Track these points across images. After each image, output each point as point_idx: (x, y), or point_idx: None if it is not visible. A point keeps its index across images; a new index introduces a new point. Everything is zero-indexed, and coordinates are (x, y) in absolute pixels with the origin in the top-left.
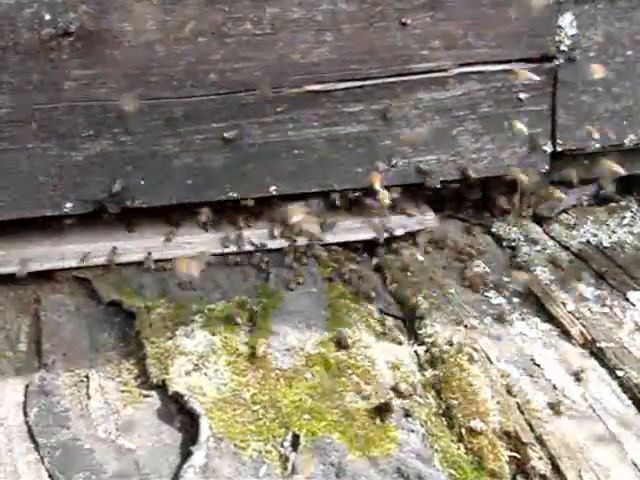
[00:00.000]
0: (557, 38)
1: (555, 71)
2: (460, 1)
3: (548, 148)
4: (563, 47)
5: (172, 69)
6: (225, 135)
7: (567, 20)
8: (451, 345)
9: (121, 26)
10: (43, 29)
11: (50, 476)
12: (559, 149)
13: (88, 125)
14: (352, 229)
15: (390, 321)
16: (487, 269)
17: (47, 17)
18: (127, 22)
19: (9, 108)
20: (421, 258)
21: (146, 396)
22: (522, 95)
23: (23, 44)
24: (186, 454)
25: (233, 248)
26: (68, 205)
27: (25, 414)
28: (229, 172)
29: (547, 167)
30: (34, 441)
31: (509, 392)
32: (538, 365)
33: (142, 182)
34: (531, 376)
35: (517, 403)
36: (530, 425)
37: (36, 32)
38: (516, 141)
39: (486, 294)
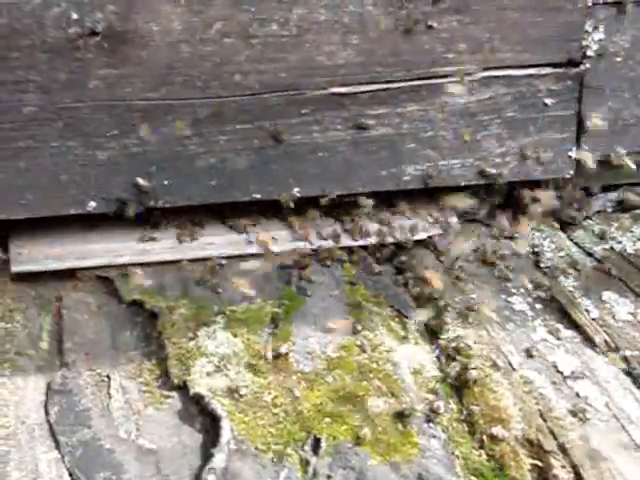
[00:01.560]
0: (584, 43)
1: (581, 76)
2: (486, 5)
3: (573, 154)
4: (590, 52)
5: (197, 70)
6: (250, 136)
7: (594, 25)
8: (473, 350)
9: (148, 26)
10: (70, 28)
11: (71, 475)
12: (585, 154)
13: (113, 124)
14: (374, 232)
15: (412, 325)
16: (510, 274)
17: (74, 16)
18: (154, 22)
19: (35, 106)
20: (444, 262)
21: (167, 397)
22: (548, 100)
23: (50, 43)
24: (207, 456)
25: (255, 250)
26: (91, 204)
27: (46, 412)
28: (253, 173)
29: (572, 172)
30: (55, 440)
31: (531, 399)
32: (561, 372)
33: (166, 182)
34: (554, 383)
35: (539, 410)
36: (553, 433)
37: (63, 31)
38: (541, 146)
39: (509, 299)
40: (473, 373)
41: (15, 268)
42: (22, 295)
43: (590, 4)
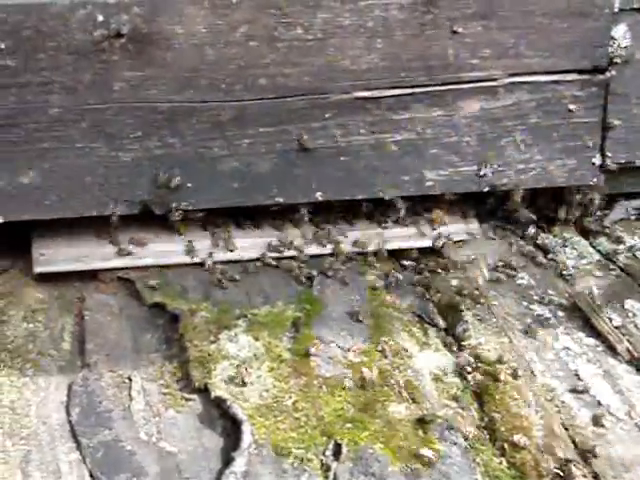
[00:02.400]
0: (610, 49)
1: (607, 83)
2: (512, 10)
3: (597, 161)
4: (616, 58)
5: (222, 72)
6: (273, 140)
7: (621, 31)
8: (494, 357)
9: (172, 28)
10: (96, 30)
11: (92, 476)
12: (608, 162)
13: (137, 126)
14: (396, 237)
15: (433, 331)
16: (532, 281)
17: (100, 18)
18: (178, 25)
19: (60, 108)
20: (465, 268)
21: (188, 400)
22: (572, 106)
23: (76, 45)
24: (227, 460)
25: (276, 253)
26: (114, 206)
27: (68, 413)
28: (276, 177)
29: (596, 180)
30: (76, 440)
31: (553, 407)
32: (583, 380)
33: (188, 185)
34: (575, 391)
35: (561, 418)
36: (574, 441)
37: (89, 33)
38: (565, 153)
39: (531, 307)
40: (494, 380)
41: (38, 269)
42: (44, 296)
43: (617, 10)
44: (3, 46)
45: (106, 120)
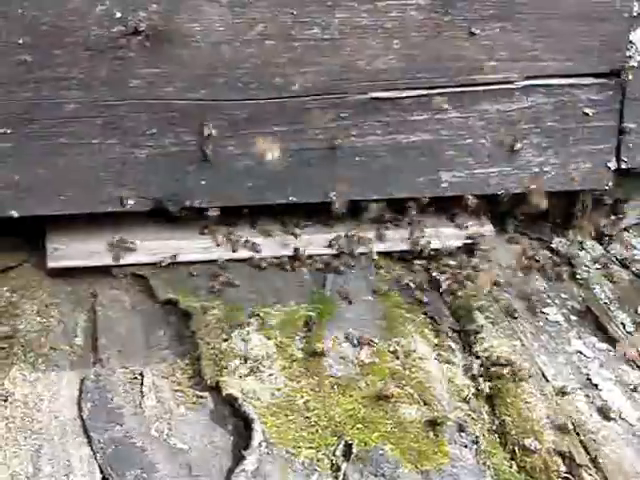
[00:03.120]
0: (627, 53)
1: (623, 87)
2: (530, 13)
3: (612, 165)
4: (633, 62)
5: (238, 71)
6: (287, 139)
7: (639, 35)
8: (506, 361)
9: (190, 26)
10: (113, 27)
11: (102, 471)
12: (624, 166)
13: (152, 123)
14: (407, 239)
15: (445, 333)
16: (545, 285)
17: (118, 15)
18: (196, 22)
19: (76, 104)
20: (478, 271)
21: (199, 397)
22: (588, 110)
23: (93, 41)
24: (238, 458)
25: (290, 252)
26: (129, 202)
27: (79, 408)
28: (290, 176)
29: (611, 184)
30: (87, 436)
31: (564, 411)
32: (595, 385)
33: (203, 182)
34: (587, 396)
35: (572, 423)
36: (585, 447)
37: (106, 29)
38: (580, 157)
39: (544, 310)
40: (506, 383)
41: (51, 264)
42: (57, 291)
43: (635, 14)
44: (21, 41)
45: (122, 117)
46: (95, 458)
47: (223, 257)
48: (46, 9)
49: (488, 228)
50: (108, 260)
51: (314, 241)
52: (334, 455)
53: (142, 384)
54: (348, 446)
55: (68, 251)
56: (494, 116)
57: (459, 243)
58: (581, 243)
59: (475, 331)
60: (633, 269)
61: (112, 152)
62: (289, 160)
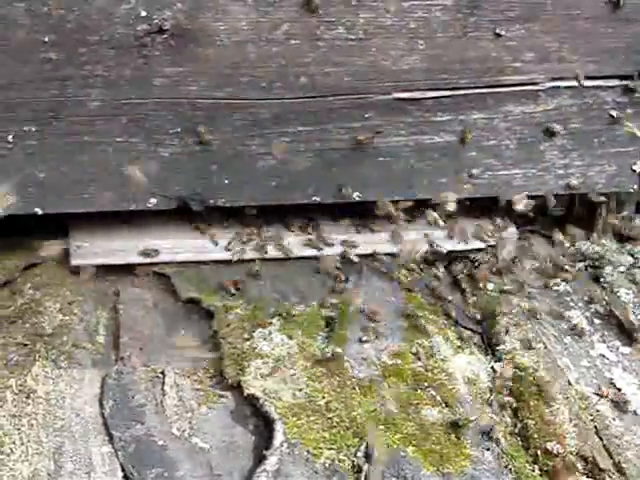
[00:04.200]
0: None
1: None
2: (556, 14)
3: (638, 167)
4: None
5: (262, 70)
6: (311, 139)
7: None
8: (529, 363)
9: (215, 25)
10: (138, 25)
11: (123, 469)
12: None
13: (176, 122)
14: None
15: (468, 335)
16: (569, 288)
17: (143, 13)
18: (221, 21)
19: (100, 102)
20: (501, 273)
21: (221, 396)
22: (614, 112)
23: (117, 39)
24: (259, 458)
25: (314, 252)
26: (152, 200)
27: (101, 406)
28: (313, 176)
29: (636, 187)
30: (109, 434)
31: (587, 415)
32: (619, 389)
33: (226, 181)
34: (611, 400)
35: (595, 427)
36: (608, 451)
37: (131, 28)
38: (605, 159)
39: (567, 313)
40: (529, 386)
41: (74, 261)
42: (80, 289)
43: None
44: (47, 39)
45: (146, 115)
46: (116, 456)
47: (247, 257)
48: (71, 7)
49: (511, 230)
50: (131, 258)
51: (336, 240)
52: (355, 456)
53: (164, 383)
54: (370, 448)
55: (91, 249)
56: (518, 117)
57: (481, 245)
58: (605, 246)
59: (498, 333)
60: None
61: (135, 150)
62: (313, 160)
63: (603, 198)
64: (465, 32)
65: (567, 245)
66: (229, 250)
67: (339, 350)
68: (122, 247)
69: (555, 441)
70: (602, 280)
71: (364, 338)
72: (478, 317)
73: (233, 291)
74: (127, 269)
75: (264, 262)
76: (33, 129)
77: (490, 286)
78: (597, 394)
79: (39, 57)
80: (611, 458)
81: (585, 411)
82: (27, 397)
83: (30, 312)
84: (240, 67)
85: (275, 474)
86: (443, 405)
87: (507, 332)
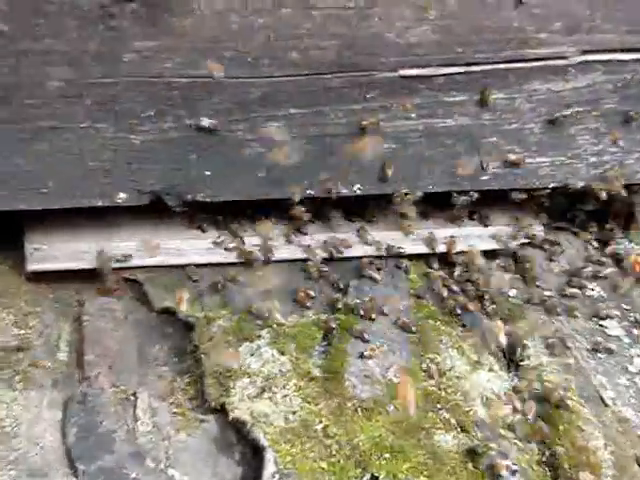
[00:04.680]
0: None
1: None
2: None
3: None
4: None
5: (248, 44)
6: (306, 123)
7: None
8: (558, 381)
9: None
10: None
11: None
12: None
13: (149, 104)
14: (441, 240)
15: (487, 348)
16: (603, 293)
17: None
18: None
19: (61, 81)
20: (525, 277)
21: (202, 421)
22: None
23: (81, 8)
24: None
25: (306, 255)
26: (122, 195)
27: (64, 434)
28: (308, 166)
29: None
30: (73, 466)
31: (626, 441)
32: None
33: (207, 173)
34: None
35: (635, 455)
36: None
37: None
38: None
39: (602, 323)
40: (557, 408)
41: (31, 266)
42: (38, 298)
43: None
44: None
45: (114, 97)
46: None
47: (230, 259)
48: None
49: (538, 228)
50: (97, 262)
51: (334, 240)
52: None
53: (136, 406)
54: (374, 479)
55: (51, 252)
56: (545, 97)
57: (501, 245)
58: None
59: (522, 346)
60: None
61: (103, 138)
62: (307, 148)
63: None
64: None
65: (602, 244)
66: (211, 252)
67: (338, 367)
68: (87, 249)
69: (588, 471)
70: None
71: (367, 353)
72: (499, 327)
73: (223, 294)
74: (93, 275)
75: (252, 266)
76: None
77: (512, 292)
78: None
79: None
80: None
81: (623, 436)
82: None
83: None
84: (222, 40)
85: None
86: (458, 430)
87: (532, 345)
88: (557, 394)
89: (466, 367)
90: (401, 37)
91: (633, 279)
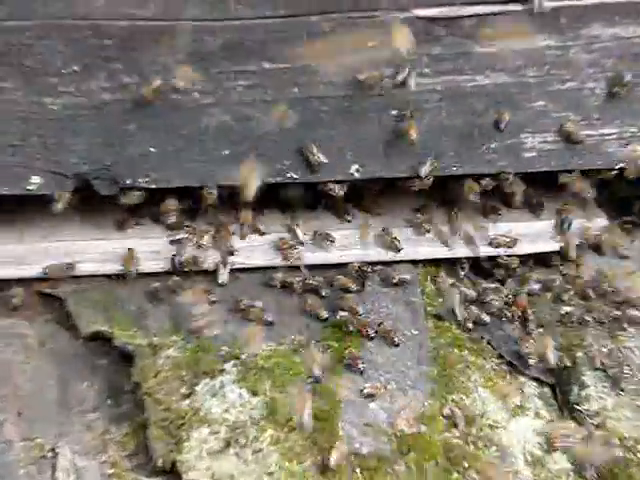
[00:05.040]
0: None
1: None
2: None
3: None
4: None
5: None
6: (284, 81)
7: None
8: (628, 430)
9: None
10: None
11: None
12: None
13: (73, 57)
14: (468, 239)
15: (532, 387)
16: None
17: None
18: None
19: None
20: (585, 285)
21: None
22: None
23: None
24: None
25: (285, 262)
26: (34, 180)
27: None
28: (287, 141)
29: None
30: None
31: None
32: None
33: (152, 150)
34: None
35: None
36: None
37: None
38: None
39: None
40: (627, 466)
41: None
42: None
43: None
44: None
45: (26, 47)
46: None
47: (187, 267)
48: None
49: (600, 220)
50: (3, 271)
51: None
52: None
53: (55, 467)
54: None
55: None
56: (609, 45)
57: (545, 248)
58: None
59: (578, 384)
60: None
61: (9, 102)
62: (287, 115)
63: None
64: None
65: None
66: (158, 256)
67: (329, 411)
68: None
69: None
70: None
71: (369, 391)
72: (547, 359)
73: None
74: None
75: (213, 274)
76: None
77: (566, 309)
78: None
79: None
80: None
81: None
82: None
83: None
84: None
85: None
86: None
87: (592, 382)
88: (627, 447)
89: (503, 413)
90: None
91: None
